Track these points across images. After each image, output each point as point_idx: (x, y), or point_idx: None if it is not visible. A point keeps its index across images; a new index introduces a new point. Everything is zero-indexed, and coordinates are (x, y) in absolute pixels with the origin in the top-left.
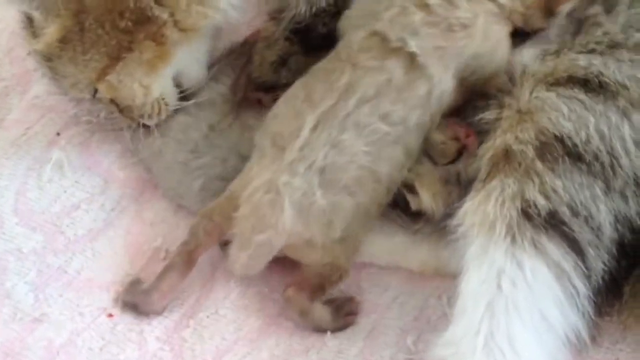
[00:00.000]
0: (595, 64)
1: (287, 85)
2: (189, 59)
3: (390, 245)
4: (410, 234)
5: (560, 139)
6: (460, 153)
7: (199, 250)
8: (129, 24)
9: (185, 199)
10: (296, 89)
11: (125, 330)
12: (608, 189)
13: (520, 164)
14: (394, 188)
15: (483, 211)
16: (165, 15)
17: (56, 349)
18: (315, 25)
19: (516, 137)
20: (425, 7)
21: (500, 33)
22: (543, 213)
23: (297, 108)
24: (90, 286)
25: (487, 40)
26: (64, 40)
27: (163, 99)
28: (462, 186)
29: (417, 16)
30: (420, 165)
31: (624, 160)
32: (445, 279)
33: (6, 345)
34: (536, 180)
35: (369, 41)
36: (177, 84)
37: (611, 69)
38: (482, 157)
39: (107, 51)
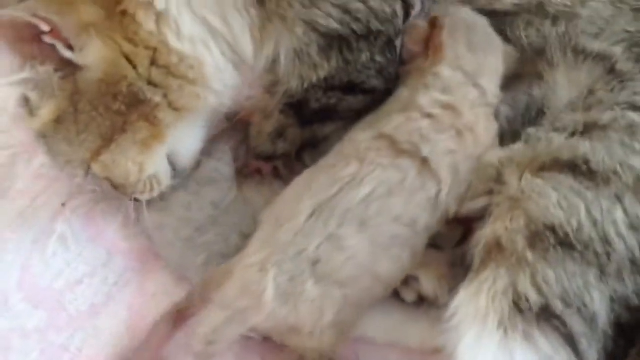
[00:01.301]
0: (581, 148)
1: (284, 155)
2: (184, 137)
3: (388, 322)
4: (409, 309)
5: (551, 228)
6: (465, 236)
7: (190, 312)
8: (123, 106)
9: (187, 272)
10: (303, 176)
11: None
12: (603, 274)
13: (512, 254)
14: (394, 285)
15: (476, 304)
16: (158, 98)
17: None
18: (307, 100)
19: (506, 227)
20: (430, 116)
21: (495, 130)
22: (535, 308)
23: (299, 193)
24: None
25: (489, 139)
26: (58, 121)
27: (156, 177)
28: (468, 267)
29: (425, 122)
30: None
31: (618, 245)
32: (445, 357)
33: None
34: (528, 271)
35: (378, 142)
36: (171, 162)
37: (600, 156)
38: (475, 246)
39: (100, 132)
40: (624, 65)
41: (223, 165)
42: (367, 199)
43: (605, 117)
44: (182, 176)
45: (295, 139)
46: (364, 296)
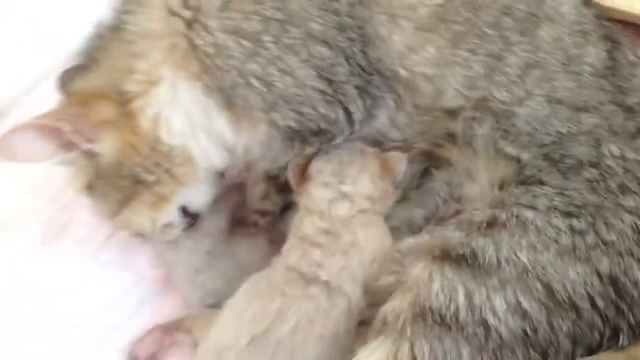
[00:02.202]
0: (473, 244)
1: (272, 212)
2: (190, 197)
3: None
4: None
5: (432, 311)
6: None
7: (181, 331)
8: (129, 183)
9: (191, 302)
10: (241, 297)
11: None
12: (478, 352)
13: (395, 330)
14: None
15: None
16: (153, 178)
17: None
18: (279, 175)
19: (394, 307)
20: (318, 245)
21: (379, 227)
22: None
23: (239, 318)
24: None
25: (375, 242)
26: (89, 188)
27: (170, 225)
28: None
29: (317, 253)
30: None
31: (497, 328)
32: None
33: None
34: (407, 344)
35: (289, 274)
36: (185, 212)
37: (489, 251)
38: (375, 319)
39: (117, 199)
40: (532, 170)
41: (220, 221)
42: (294, 331)
43: (504, 215)
44: (198, 220)
45: (277, 202)
46: None
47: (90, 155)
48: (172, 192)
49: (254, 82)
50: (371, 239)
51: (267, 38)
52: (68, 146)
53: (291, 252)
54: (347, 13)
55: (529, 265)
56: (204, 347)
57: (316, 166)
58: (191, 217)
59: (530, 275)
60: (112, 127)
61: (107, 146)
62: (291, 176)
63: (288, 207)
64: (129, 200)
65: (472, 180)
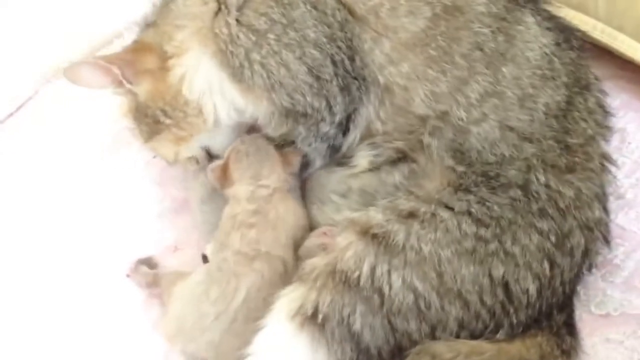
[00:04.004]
0: (389, 227)
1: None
2: (208, 140)
3: None
4: None
5: (340, 271)
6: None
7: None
8: (151, 122)
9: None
10: (199, 278)
11: None
12: (372, 312)
13: (310, 279)
14: None
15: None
16: (168, 121)
17: None
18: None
19: (313, 263)
20: (252, 225)
21: (290, 201)
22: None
23: (200, 296)
24: None
25: (291, 214)
26: (129, 115)
27: (193, 158)
28: None
29: (252, 232)
30: None
31: (392, 298)
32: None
33: None
34: (315, 292)
35: (236, 257)
36: (208, 153)
37: (400, 235)
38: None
39: (145, 130)
40: (467, 180)
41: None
42: (245, 300)
43: (424, 209)
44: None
45: None
46: None
47: (131, 92)
48: (187, 135)
49: (257, 67)
50: (289, 211)
51: (271, 35)
52: (116, 82)
53: (232, 239)
54: (338, 27)
55: (427, 256)
56: (167, 324)
57: (236, 171)
58: (212, 157)
59: (428, 264)
60: (149, 75)
61: (142, 89)
62: (213, 178)
63: None
64: (154, 133)
65: (425, 177)
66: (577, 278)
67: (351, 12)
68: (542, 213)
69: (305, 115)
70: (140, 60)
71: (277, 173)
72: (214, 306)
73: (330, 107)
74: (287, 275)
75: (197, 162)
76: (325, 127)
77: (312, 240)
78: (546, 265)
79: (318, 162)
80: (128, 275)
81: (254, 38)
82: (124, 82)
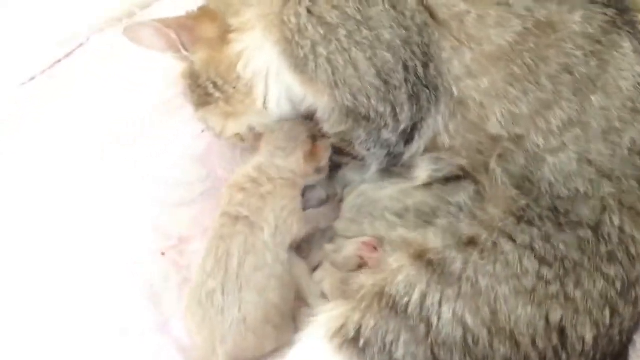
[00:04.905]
0: (446, 254)
1: None
2: (258, 121)
3: None
4: None
5: (389, 295)
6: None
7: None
8: (201, 92)
9: None
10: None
11: None
12: (416, 342)
13: (356, 298)
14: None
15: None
16: (218, 94)
17: None
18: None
19: (361, 281)
20: (243, 189)
21: (293, 191)
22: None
23: (206, 271)
24: None
25: (286, 199)
26: (185, 77)
27: (239, 136)
28: None
29: (240, 196)
30: None
31: (439, 330)
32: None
33: None
34: (359, 313)
35: (222, 219)
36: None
37: (458, 264)
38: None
39: (197, 99)
40: (533, 213)
41: None
42: (240, 264)
43: (485, 237)
44: None
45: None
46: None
47: (187, 58)
48: (235, 112)
49: (321, 62)
50: (287, 195)
51: (341, 31)
52: (174, 47)
53: (222, 199)
54: (417, 31)
55: (483, 289)
56: (191, 290)
57: (264, 139)
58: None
59: (482, 298)
60: (206, 44)
61: (197, 57)
62: (250, 137)
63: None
64: (205, 104)
65: (490, 202)
66: (636, 327)
67: (433, 15)
68: (611, 257)
69: (367, 118)
70: (201, 27)
71: (296, 158)
72: (214, 278)
73: (395, 114)
74: (269, 248)
75: (242, 139)
76: (387, 134)
77: (350, 249)
78: (607, 313)
79: (374, 168)
80: (163, 254)
81: (322, 31)
82: (181, 48)
